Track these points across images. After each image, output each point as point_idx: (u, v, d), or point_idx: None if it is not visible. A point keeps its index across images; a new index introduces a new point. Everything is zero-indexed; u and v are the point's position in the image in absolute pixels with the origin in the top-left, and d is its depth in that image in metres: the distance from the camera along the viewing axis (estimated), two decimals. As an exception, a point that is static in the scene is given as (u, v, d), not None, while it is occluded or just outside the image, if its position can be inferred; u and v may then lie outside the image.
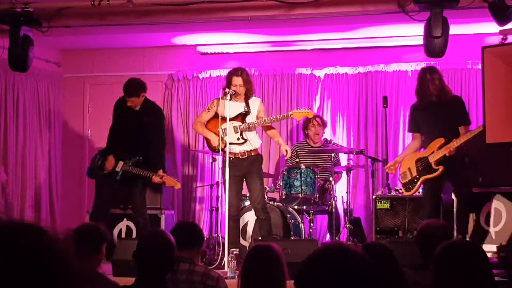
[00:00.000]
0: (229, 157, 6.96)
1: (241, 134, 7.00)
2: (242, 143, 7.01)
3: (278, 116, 6.91)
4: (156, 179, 7.19)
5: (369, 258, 1.80)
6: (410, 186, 6.86)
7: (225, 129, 6.95)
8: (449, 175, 6.74)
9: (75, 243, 3.80)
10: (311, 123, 8.34)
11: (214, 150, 7.08)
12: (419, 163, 6.78)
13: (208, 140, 7.17)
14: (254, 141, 7.09)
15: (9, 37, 7.20)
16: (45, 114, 9.39)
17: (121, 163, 7.29)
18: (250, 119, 7.04)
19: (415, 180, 6.80)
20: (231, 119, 6.97)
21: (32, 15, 7.07)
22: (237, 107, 7.05)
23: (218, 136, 6.95)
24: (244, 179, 7.15)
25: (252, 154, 7.07)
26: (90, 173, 7.68)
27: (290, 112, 6.98)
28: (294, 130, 9.25)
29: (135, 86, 7.24)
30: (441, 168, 6.64)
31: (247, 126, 7.00)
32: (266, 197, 7.44)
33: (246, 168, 7.02)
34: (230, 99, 6.91)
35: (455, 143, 6.65)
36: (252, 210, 7.42)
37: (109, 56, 9.60)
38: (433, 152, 6.70)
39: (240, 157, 7.01)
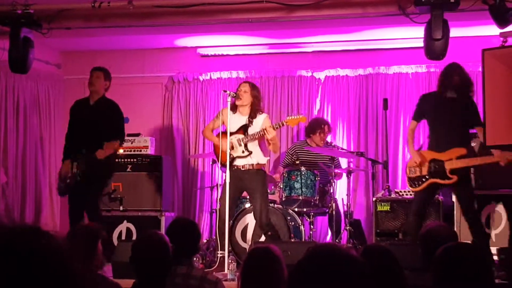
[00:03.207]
0: (232, 168, 6.96)
1: (245, 147, 6.93)
2: (246, 156, 6.94)
3: (273, 125, 6.84)
4: (99, 154, 6.74)
5: (364, 259, 1.80)
6: (416, 183, 6.60)
7: (230, 143, 6.88)
8: (458, 185, 6.50)
9: (71, 246, 3.81)
10: (320, 129, 8.31)
11: (222, 164, 6.91)
12: (432, 164, 6.52)
13: (215, 145, 7.10)
14: (258, 156, 6.97)
15: (9, 39, 7.21)
16: (45, 116, 9.39)
17: (75, 164, 6.86)
18: (251, 131, 6.93)
19: (423, 179, 6.58)
20: (234, 133, 6.94)
21: (33, 17, 7.07)
22: (240, 120, 7.01)
23: (224, 145, 6.84)
24: (247, 193, 7.12)
25: (254, 168, 6.94)
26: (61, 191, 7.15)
27: (285, 120, 6.90)
28: (295, 136, 9.25)
29: (107, 70, 7.18)
30: (455, 178, 6.38)
31: (249, 138, 6.92)
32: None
33: (247, 181, 6.92)
34: (235, 107, 6.90)
35: (478, 161, 6.45)
36: (252, 212, 7.43)
37: (110, 58, 9.59)
38: (451, 159, 6.47)
39: (242, 169, 6.94)
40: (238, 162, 6.95)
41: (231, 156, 6.87)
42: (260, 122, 6.94)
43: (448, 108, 6.46)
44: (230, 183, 6.77)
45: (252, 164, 6.94)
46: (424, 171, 6.52)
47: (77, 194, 6.93)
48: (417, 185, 6.56)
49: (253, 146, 6.95)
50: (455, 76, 6.46)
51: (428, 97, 6.78)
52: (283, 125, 6.92)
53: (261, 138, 6.91)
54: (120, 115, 7.09)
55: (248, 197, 7.58)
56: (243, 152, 6.92)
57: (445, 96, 6.49)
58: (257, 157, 6.98)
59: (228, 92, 6.83)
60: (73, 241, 3.93)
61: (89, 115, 7.01)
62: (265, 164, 7.14)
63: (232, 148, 6.89)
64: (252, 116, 6.96)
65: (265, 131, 6.74)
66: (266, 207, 6.97)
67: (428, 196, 6.65)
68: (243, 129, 6.95)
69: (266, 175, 7.24)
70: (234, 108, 6.98)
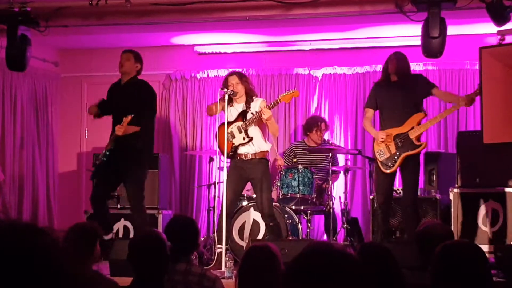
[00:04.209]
0: (235, 158, 6.94)
1: (245, 133, 6.91)
2: (248, 142, 6.90)
3: (268, 105, 6.81)
4: (118, 129, 6.56)
5: (361, 258, 1.80)
6: (390, 163, 6.66)
7: (230, 132, 6.87)
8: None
9: (68, 244, 3.81)
10: (317, 127, 8.31)
11: (225, 154, 6.86)
12: (397, 139, 6.64)
13: (219, 140, 7.03)
14: (259, 143, 6.93)
15: (6, 37, 7.20)
16: (42, 114, 9.38)
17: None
18: (250, 115, 6.94)
19: (395, 157, 6.65)
20: (233, 122, 6.92)
21: (30, 15, 7.06)
22: (238, 108, 6.99)
23: (227, 141, 6.77)
24: (250, 183, 7.06)
25: (257, 157, 6.89)
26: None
27: (279, 98, 6.88)
28: (292, 135, 9.25)
29: (138, 53, 7.01)
30: (424, 144, 6.61)
31: (248, 123, 6.89)
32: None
33: (249, 171, 6.88)
34: (230, 100, 6.86)
35: (439, 117, 6.93)
36: (250, 210, 7.43)
37: (107, 56, 9.58)
38: (412, 127, 6.62)
39: (244, 159, 6.93)
40: (241, 151, 6.92)
41: (233, 145, 6.86)
42: (257, 105, 6.93)
43: (395, 91, 6.75)
44: (233, 174, 6.80)
45: (255, 153, 6.89)
46: (393, 149, 6.66)
47: (103, 176, 6.76)
48: (391, 166, 6.66)
49: (254, 131, 6.91)
50: (391, 63, 6.82)
51: (377, 85, 7.05)
52: (277, 103, 6.88)
53: (259, 121, 6.89)
54: (148, 94, 6.83)
55: (245, 195, 7.58)
56: (244, 139, 6.89)
57: (391, 81, 6.82)
58: (259, 143, 6.92)
59: (225, 89, 6.82)
60: (71, 240, 3.93)
61: (119, 95, 6.93)
62: (268, 151, 7.04)
63: (233, 137, 6.86)
64: (248, 101, 6.96)
65: (260, 111, 6.74)
66: (269, 197, 6.91)
67: (391, 183, 6.82)
68: (242, 116, 6.94)
69: (269, 165, 7.14)
70: (230, 102, 6.95)
